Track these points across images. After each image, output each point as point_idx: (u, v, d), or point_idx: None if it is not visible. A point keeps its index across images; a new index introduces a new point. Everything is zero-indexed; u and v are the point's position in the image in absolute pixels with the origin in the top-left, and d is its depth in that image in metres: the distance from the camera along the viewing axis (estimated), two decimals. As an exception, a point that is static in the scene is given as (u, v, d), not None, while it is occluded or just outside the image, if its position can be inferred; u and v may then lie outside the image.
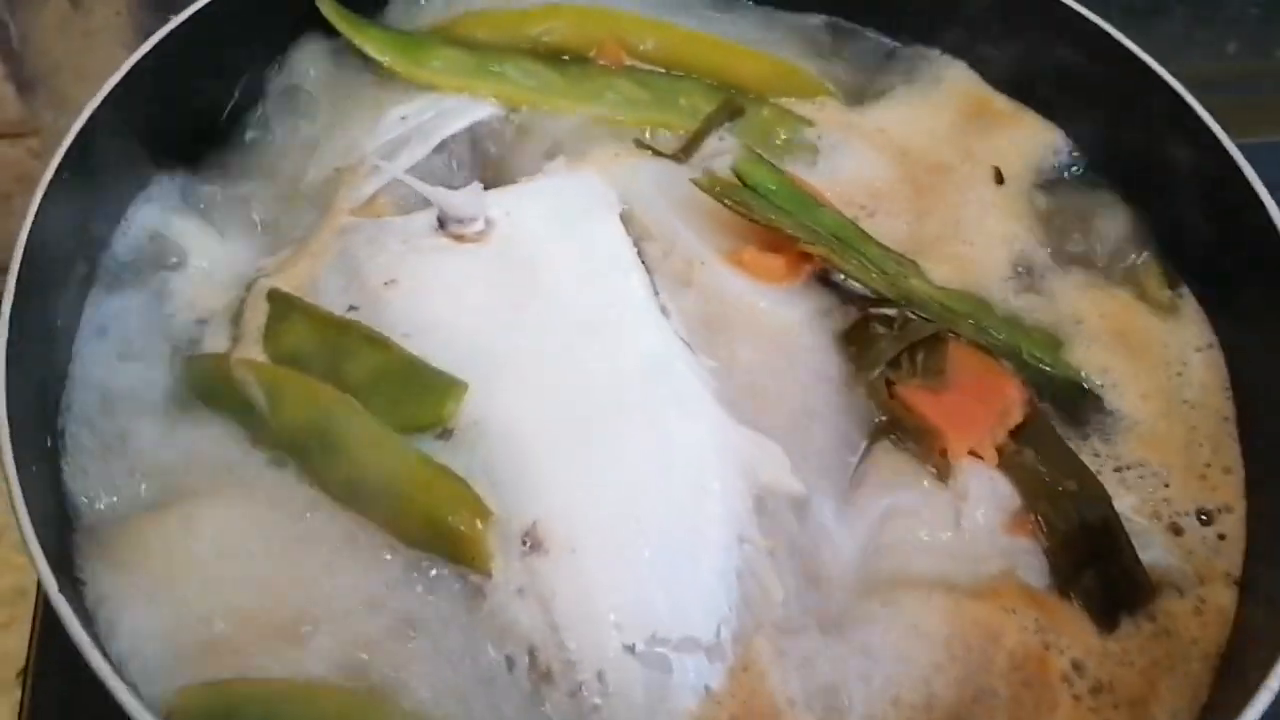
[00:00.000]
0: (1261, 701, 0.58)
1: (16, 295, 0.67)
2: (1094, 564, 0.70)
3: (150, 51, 0.78)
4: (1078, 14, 0.88)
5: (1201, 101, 0.84)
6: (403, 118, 0.86)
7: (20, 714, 0.83)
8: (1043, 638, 0.68)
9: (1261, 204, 0.78)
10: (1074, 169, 0.91)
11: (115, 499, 0.68)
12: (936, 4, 0.93)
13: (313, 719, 0.61)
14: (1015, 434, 0.74)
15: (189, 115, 0.83)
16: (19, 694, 0.85)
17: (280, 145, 0.85)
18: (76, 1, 1.07)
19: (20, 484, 0.60)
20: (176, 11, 0.81)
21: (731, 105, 0.90)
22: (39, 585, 0.86)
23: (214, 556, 0.65)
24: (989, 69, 0.94)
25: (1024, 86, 0.93)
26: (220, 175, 0.83)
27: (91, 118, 0.75)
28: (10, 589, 0.95)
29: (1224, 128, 0.83)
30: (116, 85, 0.77)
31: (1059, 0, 0.88)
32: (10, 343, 0.66)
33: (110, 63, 0.78)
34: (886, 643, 0.66)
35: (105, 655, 0.56)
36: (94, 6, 1.09)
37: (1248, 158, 0.81)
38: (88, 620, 0.60)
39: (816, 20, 0.96)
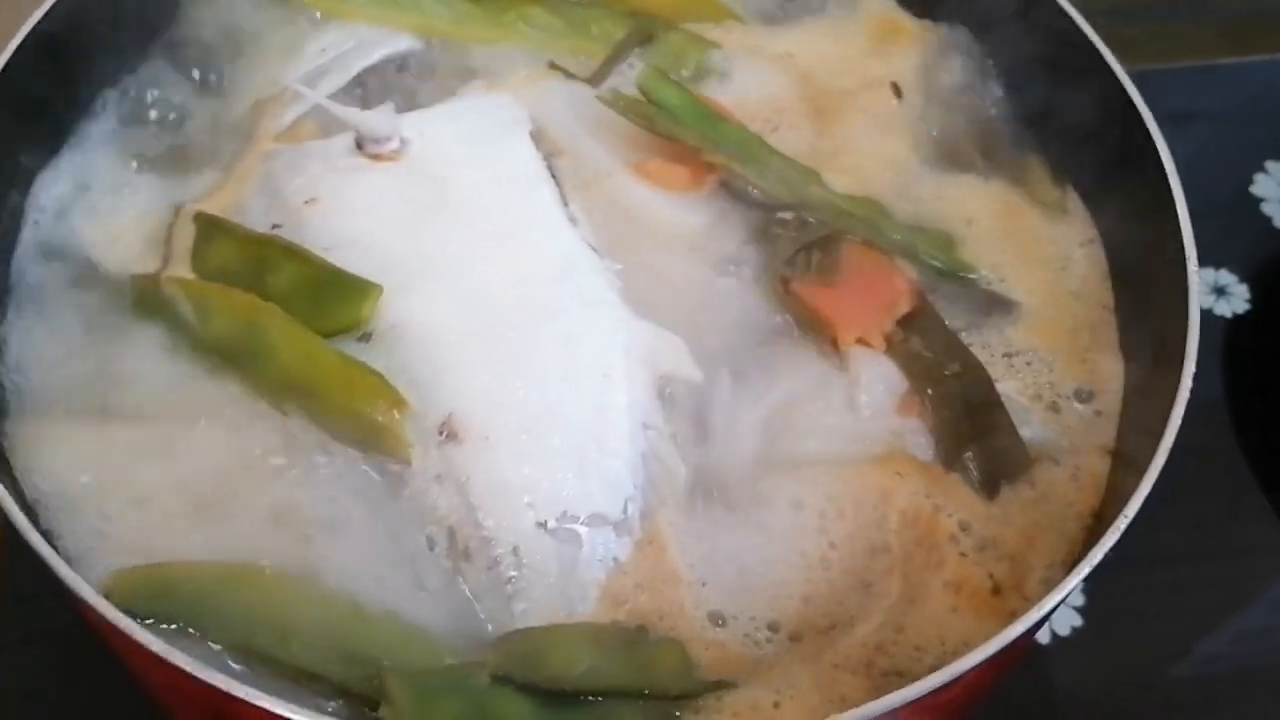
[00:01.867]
0: (1109, 540, 0.63)
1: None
2: (976, 440, 0.75)
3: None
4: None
5: (1115, 28, 0.88)
6: (322, 50, 0.89)
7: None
8: (932, 501, 0.73)
9: (1140, 119, 0.83)
10: (972, 85, 0.95)
11: (56, 402, 0.72)
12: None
13: (244, 599, 0.65)
14: (904, 323, 0.78)
15: (111, 49, 0.86)
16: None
17: (203, 79, 0.88)
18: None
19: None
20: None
21: (642, 31, 0.94)
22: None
23: (149, 451, 0.70)
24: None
25: (929, 9, 0.97)
26: (145, 108, 0.86)
27: (11, 59, 0.78)
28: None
29: (1139, 54, 0.87)
30: (36, 26, 0.79)
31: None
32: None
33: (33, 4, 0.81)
34: (783, 506, 0.71)
35: (43, 537, 0.61)
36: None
37: (1163, 83, 0.85)
38: (27, 507, 0.64)
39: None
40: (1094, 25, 0.88)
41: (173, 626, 0.63)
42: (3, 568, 0.89)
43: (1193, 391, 0.70)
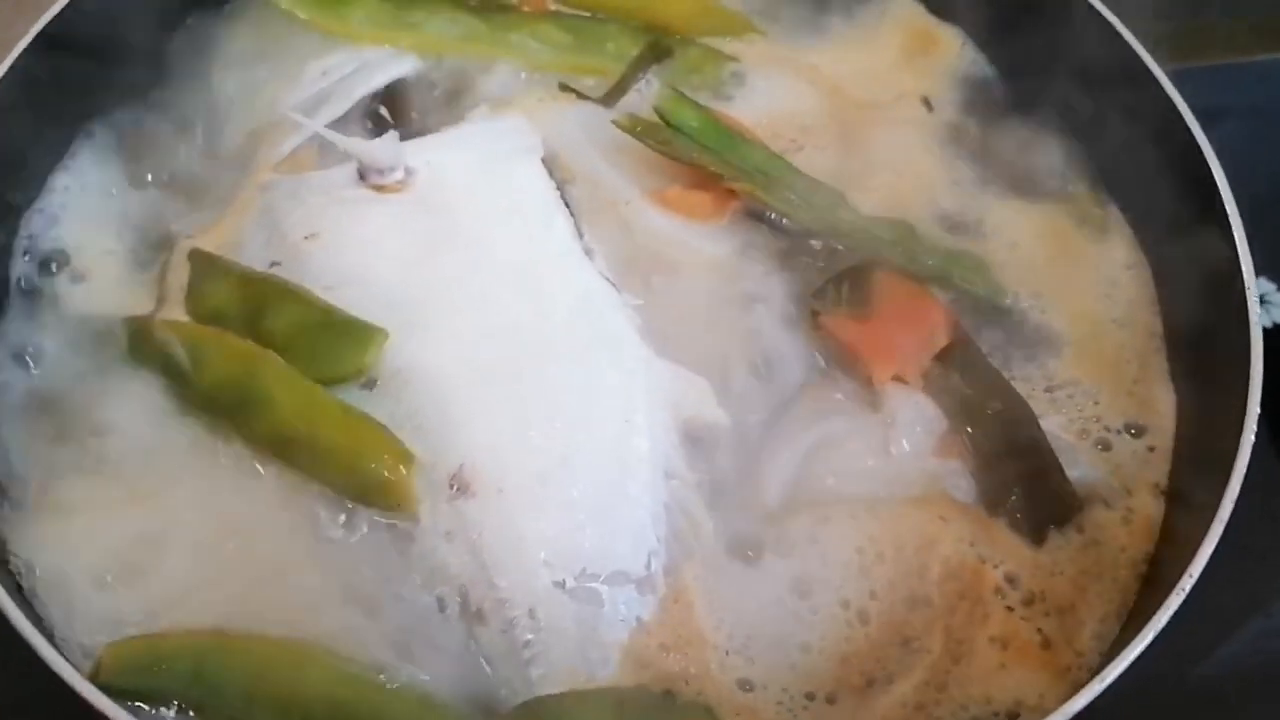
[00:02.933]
0: (1174, 602, 0.58)
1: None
2: (1021, 483, 0.71)
3: (54, 17, 0.77)
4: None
5: (1145, 26, 0.84)
6: (323, 73, 0.85)
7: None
8: (976, 551, 0.69)
9: (1187, 126, 0.79)
10: (1006, 96, 0.91)
11: (39, 465, 0.68)
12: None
13: (243, 669, 0.61)
14: (941, 358, 0.74)
15: (103, 76, 0.82)
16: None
17: (199, 104, 0.84)
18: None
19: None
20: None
21: (658, 47, 0.89)
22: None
23: (139, 515, 0.66)
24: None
25: (959, 15, 0.92)
26: (138, 138, 0.82)
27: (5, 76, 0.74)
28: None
29: (1171, 53, 0.83)
30: (17, 59, 0.75)
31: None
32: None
33: (22, 30, 0.77)
34: (818, 557, 0.67)
35: (27, 613, 0.57)
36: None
37: (1195, 81, 0.81)
38: (10, 581, 0.60)
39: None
40: (1123, 24, 0.84)
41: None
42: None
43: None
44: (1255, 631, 0.89)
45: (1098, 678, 0.57)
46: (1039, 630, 0.67)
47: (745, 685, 0.65)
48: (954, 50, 0.92)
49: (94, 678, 0.58)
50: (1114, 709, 0.85)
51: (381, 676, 0.62)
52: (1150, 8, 0.87)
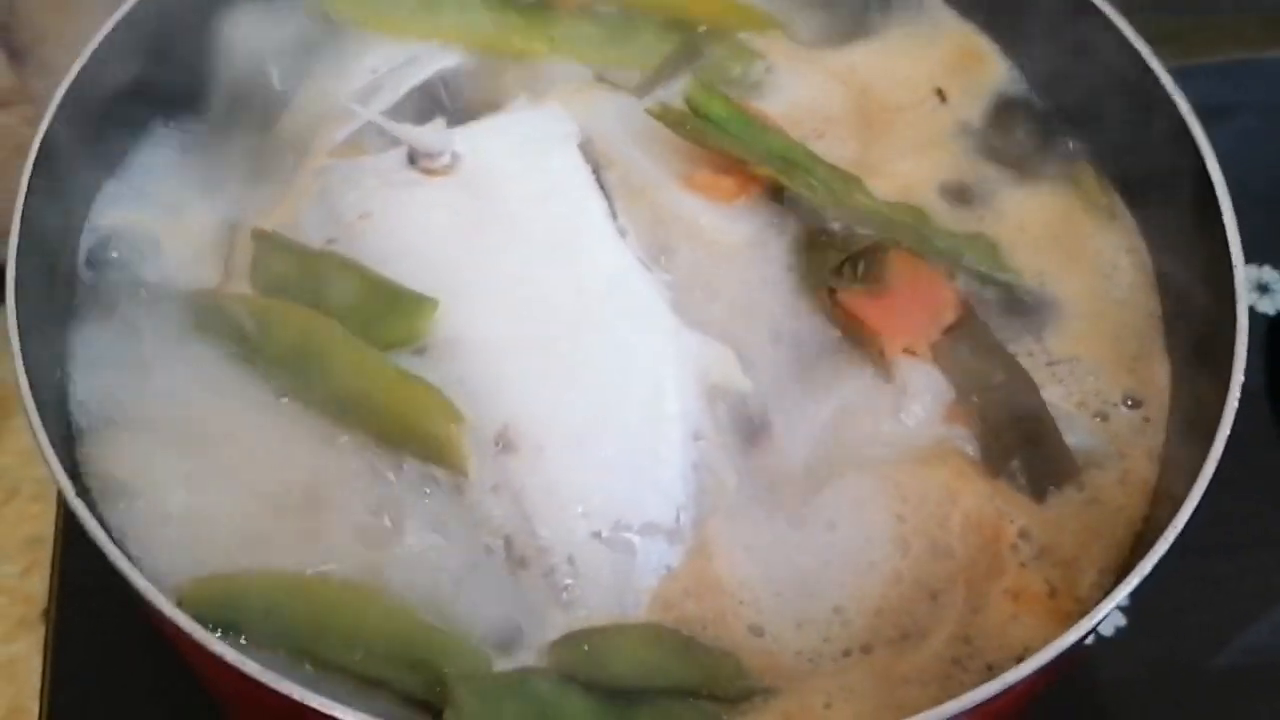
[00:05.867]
0: (1158, 551, 0.64)
1: (19, 254, 0.73)
2: (1022, 447, 0.76)
3: (124, 17, 0.83)
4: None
5: (1158, 22, 0.88)
6: (373, 69, 0.90)
7: (45, 649, 0.91)
8: (995, 505, 0.73)
9: (1184, 123, 0.82)
10: (1018, 90, 0.95)
11: (120, 416, 0.74)
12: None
13: (311, 608, 0.67)
14: (950, 332, 0.79)
15: (168, 75, 0.87)
16: (44, 630, 0.92)
17: (256, 98, 0.89)
18: (62, -30, 1.11)
19: (34, 400, 0.66)
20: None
21: (688, 43, 0.95)
22: (56, 530, 0.94)
23: (212, 466, 0.72)
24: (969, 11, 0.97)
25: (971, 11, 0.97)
26: (200, 130, 0.88)
27: (75, 82, 0.80)
28: (29, 537, 1.03)
29: (1181, 47, 0.87)
30: (95, 50, 0.81)
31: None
32: (19, 286, 0.72)
33: (96, 28, 0.83)
34: (839, 509, 0.72)
35: (122, 551, 0.63)
36: (79, -26, 1.13)
37: (1206, 78, 0.85)
38: (102, 521, 0.66)
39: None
40: (1135, 19, 0.87)
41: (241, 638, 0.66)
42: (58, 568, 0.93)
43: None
44: (1273, 622, 0.94)
45: (1088, 616, 0.63)
46: (1046, 580, 0.72)
47: (756, 631, 0.70)
48: (987, 56, 0.95)
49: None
50: (1134, 697, 0.90)
51: (433, 615, 0.68)
52: (1162, 3, 0.91)
